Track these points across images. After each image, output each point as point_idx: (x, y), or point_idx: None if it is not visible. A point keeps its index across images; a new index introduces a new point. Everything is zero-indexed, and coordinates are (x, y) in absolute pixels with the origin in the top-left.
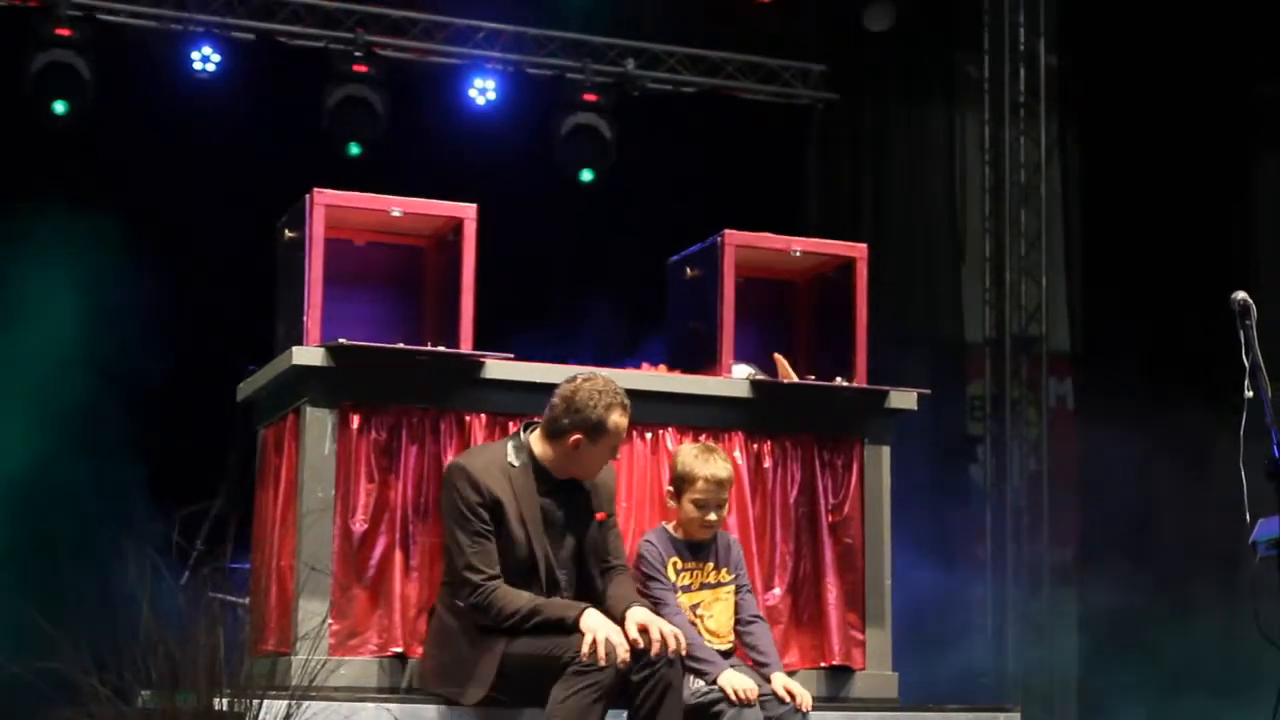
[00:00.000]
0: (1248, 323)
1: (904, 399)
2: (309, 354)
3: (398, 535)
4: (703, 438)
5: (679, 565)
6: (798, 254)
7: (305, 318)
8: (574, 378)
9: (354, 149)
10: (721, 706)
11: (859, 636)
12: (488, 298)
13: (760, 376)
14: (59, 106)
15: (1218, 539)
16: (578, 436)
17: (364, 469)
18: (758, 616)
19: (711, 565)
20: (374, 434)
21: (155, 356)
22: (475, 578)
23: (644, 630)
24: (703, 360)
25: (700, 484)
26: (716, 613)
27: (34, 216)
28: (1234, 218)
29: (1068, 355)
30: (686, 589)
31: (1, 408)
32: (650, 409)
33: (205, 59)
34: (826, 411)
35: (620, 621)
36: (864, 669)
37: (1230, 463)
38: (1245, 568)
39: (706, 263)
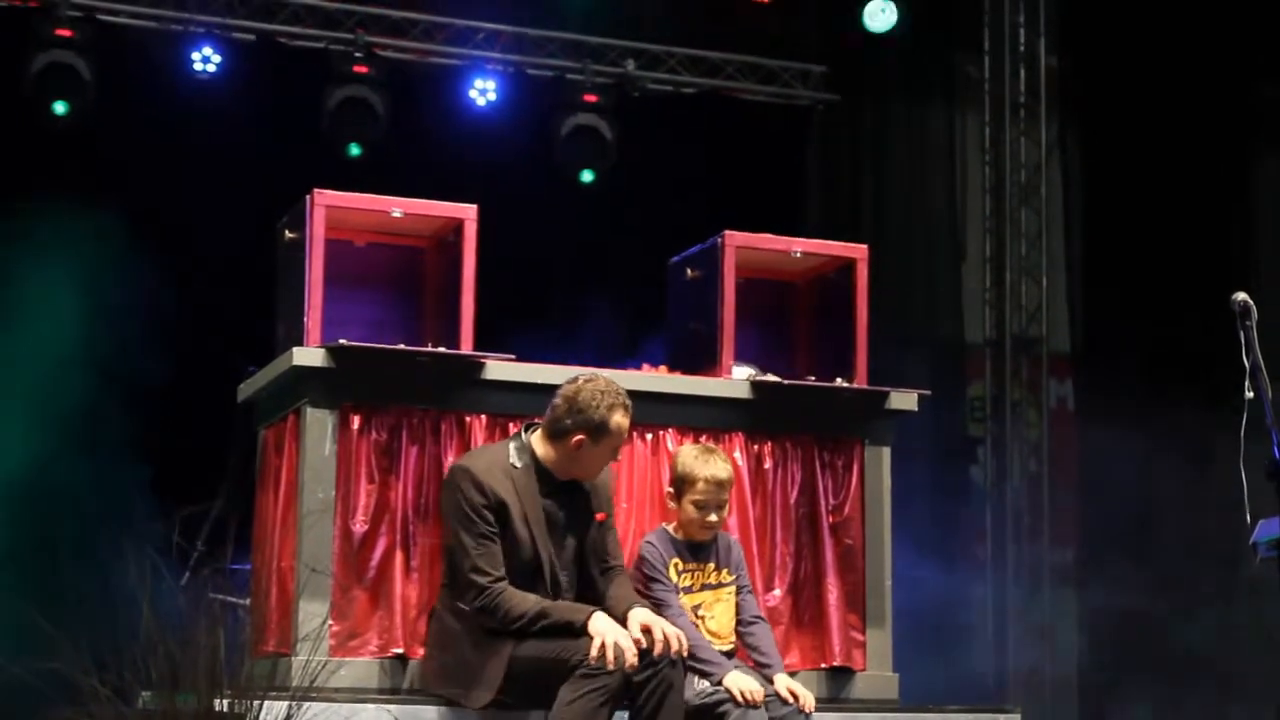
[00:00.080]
0: (1248, 323)
1: (904, 400)
2: (309, 355)
3: (398, 536)
4: (703, 439)
5: (680, 566)
6: (798, 255)
7: (306, 318)
8: (576, 378)
9: (354, 150)
10: (727, 707)
11: (859, 637)
12: (488, 298)
13: (760, 377)
14: (59, 107)
15: (1218, 540)
16: (580, 437)
17: (364, 470)
18: (759, 617)
19: (712, 566)
20: (374, 435)
21: (155, 357)
22: (481, 580)
23: (647, 630)
24: (703, 361)
25: (700, 485)
26: (717, 614)
27: (34, 217)
28: (1234, 218)
29: (1068, 356)
30: (687, 590)
31: (1, 408)
32: (651, 410)
33: (206, 60)
34: (827, 412)
35: (621, 622)
36: (864, 670)
37: (1230, 463)
38: (1245, 569)
39: (707, 263)
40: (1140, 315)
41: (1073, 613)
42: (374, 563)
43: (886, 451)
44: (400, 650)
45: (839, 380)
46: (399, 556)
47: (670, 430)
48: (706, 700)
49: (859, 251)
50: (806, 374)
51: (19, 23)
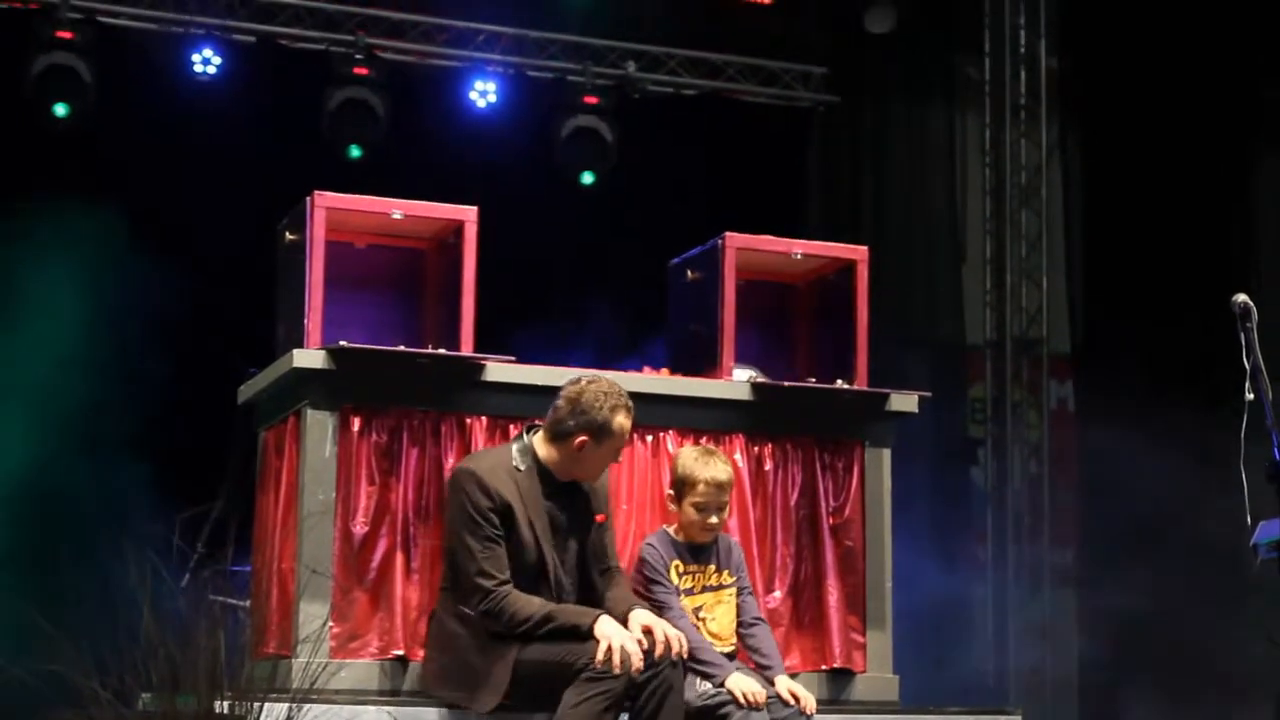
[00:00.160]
0: (1248, 325)
1: (905, 402)
2: (310, 356)
3: (398, 538)
4: (703, 440)
5: (680, 568)
6: (798, 256)
7: (306, 320)
8: (578, 379)
9: (355, 151)
10: (729, 709)
11: (860, 639)
12: (488, 300)
13: (761, 379)
14: (60, 109)
15: (1218, 541)
16: (583, 438)
17: (365, 471)
18: (759, 619)
19: (713, 568)
20: (375, 436)
21: (156, 358)
22: (487, 584)
23: (648, 632)
24: (703, 363)
25: (701, 487)
26: (718, 615)
27: (35, 219)
28: (1234, 220)
29: (1068, 357)
30: (688, 592)
31: (1, 408)
32: (651, 411)
33: (206, 61)
34: (827, 414)
35: (621, 623)
36: (865, 671)
37: (1231, 465)
38: (1246, 570)
39: (707, 265)
40: (1140, 317)
41: (1073, 613)
42: (374, 564)
43: (887, 453)
44: (401, 652)
45: (839, 382)
46: (399, 558)
47: (670, 432)
48: (708, 702)
49: (859, 253)
50: (807, 376)
51: (19, 25)
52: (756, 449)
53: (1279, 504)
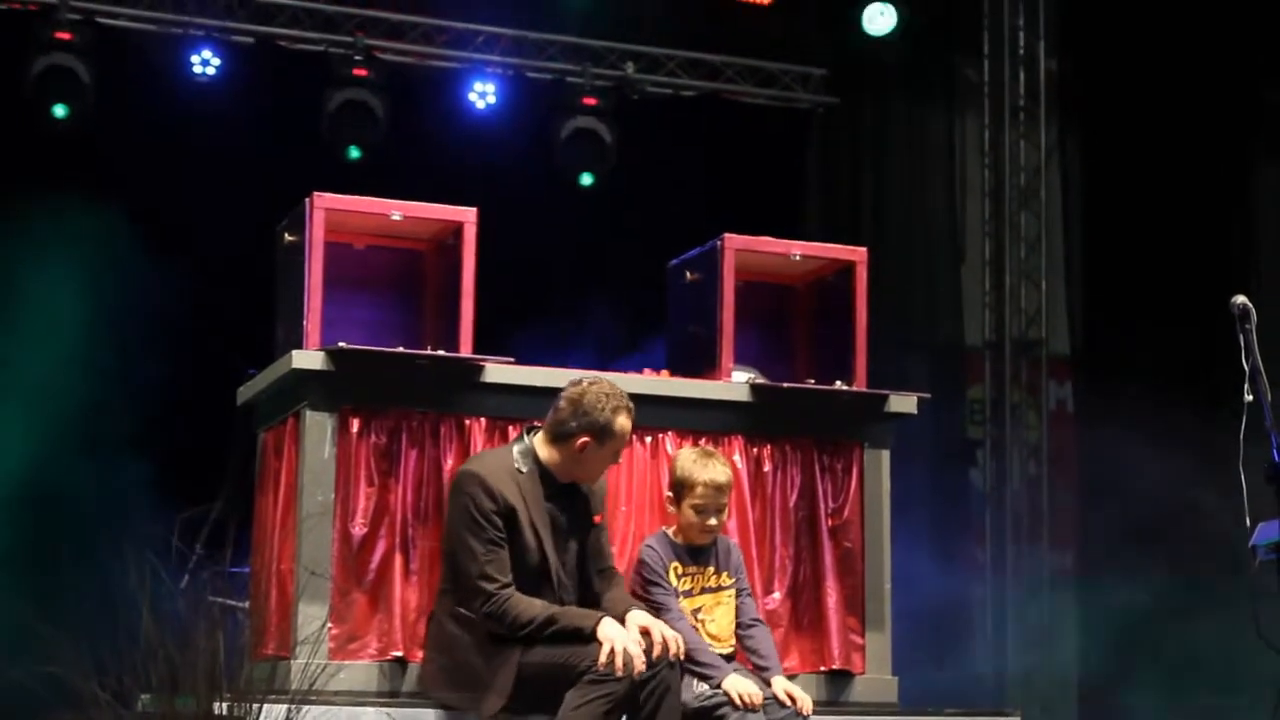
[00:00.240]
0: (1247, 327)
1: (904, 403)
2: (309, 358)
3: (397, 539)
4: (703, 442)
5: (679, 570)
6: (797, 258)
7: (305, 321)
8: (579, 380)
9: (354, 153)
10: (725, 711)
11: (859, 640)
12: (487, 301)
13: (760, 380)
14: (59, 110)
15: (1217, 542)
16: (585, 439)
17: (364, 473)
18: (758, 620)
19: (712, 569)
20: (374, 438)
21: (155, 359)
22: (489, 586)
23: (645, 633)
24: (702, 364)
25: (699, 489)
26: (717, 617)
27: (34, 220)
28: (1234, 221)
29: (1067, 359)
30: (687, 594)
31: (1, 409)
32: (650, 413)
33: (205, 63)
34: (826, 415)
35: (619, 624)
36: (864, 673)
37: (1230, 466)
38: (1245, 571)
39: (706, 266)
40: (1140, 318)
41: (1072, 615)
42: (373, 566)
43: (886, 454)
44: (400, 653)
45: (838, 383)
46: (398, 559)
47: (669, 433)
48: (705, 703)
49: (858, 254)
50: (806, 377)
51: (19, 26)
52: (755, 450)
53: (1278, 505)
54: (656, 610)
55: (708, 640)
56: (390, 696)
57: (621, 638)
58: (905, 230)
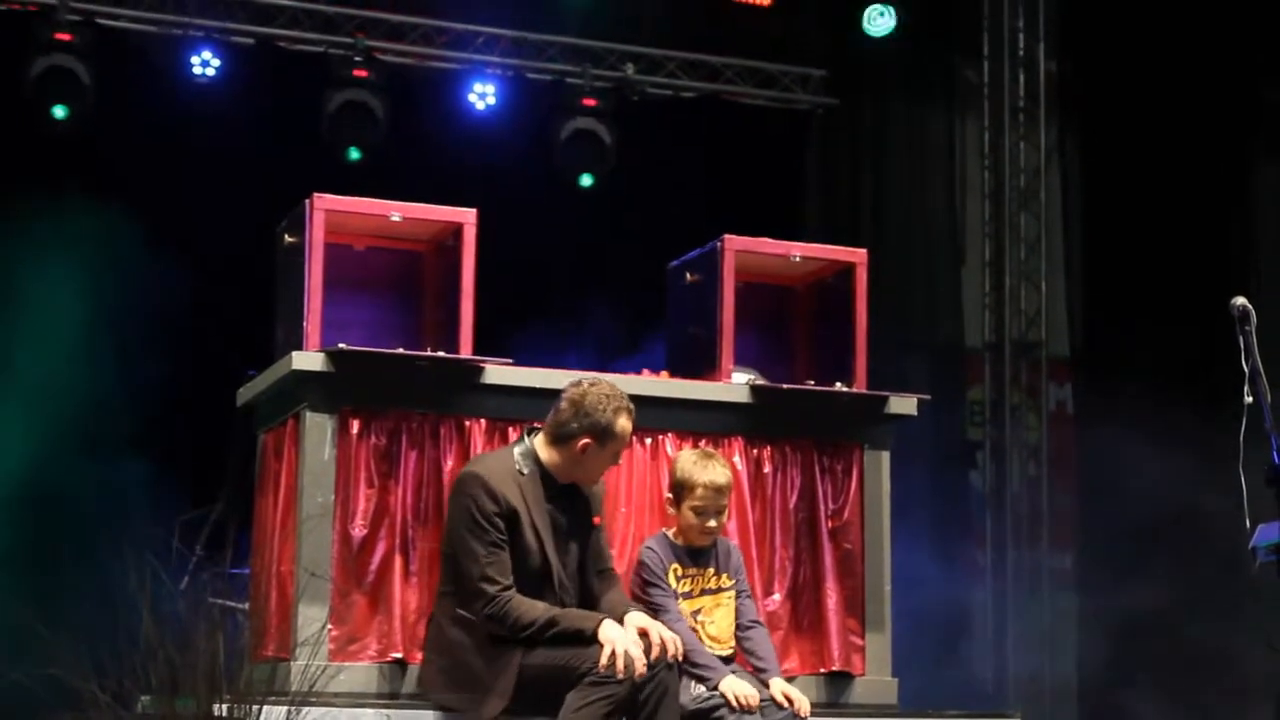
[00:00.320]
0: (1247, 328)
1: (904, 404)
2: (309, 359)
3: (397, 540)
4: (702, 443)
5: (679, 571)
6: (797, 259)
7: (305, 322)
8: (580, 382)
9: (354, 154)
10: (722, 712)
11: (859, 642)
12: (487, 303)
13: (760, 382)
14: (59, 111)
15: (1217, 544)
16: (587, 441)
17: (364, 474)
18: (757, 622)
19: (712, 571)
20: (374, 439)
21: (155, 360)
22: (491, 589)
23: (644, 634)
24: (702, 365)
25: (699, 491)
26: (717, 618)
27: (34, 220)
28: (1233, 222)
29: (1067, 360)
30: (687, 595)
31: (1, 409)
32: (650, 414)
33: (205, 64)
34: (826, 417)
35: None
36: (864, 674)
37: (1230, 468)
38: (1245, 573)
39: (706, 268)
40: (1139, 319)
41: (1072, 616)
42: (373, 567)
43: (886, 456)
44: (399, 655)
45: (838, 385)
46: (398, 561)
47: (669, 435)
48: (702, 705)
49: (858, 256)
50: (806, 378)
51: (18, 27)
52: (755, 452)
53: (1278, 507)
54: (655, 611)
55: (707, 642)
56: (390, 698)
57: (622, 640)
58: (905, 231)
